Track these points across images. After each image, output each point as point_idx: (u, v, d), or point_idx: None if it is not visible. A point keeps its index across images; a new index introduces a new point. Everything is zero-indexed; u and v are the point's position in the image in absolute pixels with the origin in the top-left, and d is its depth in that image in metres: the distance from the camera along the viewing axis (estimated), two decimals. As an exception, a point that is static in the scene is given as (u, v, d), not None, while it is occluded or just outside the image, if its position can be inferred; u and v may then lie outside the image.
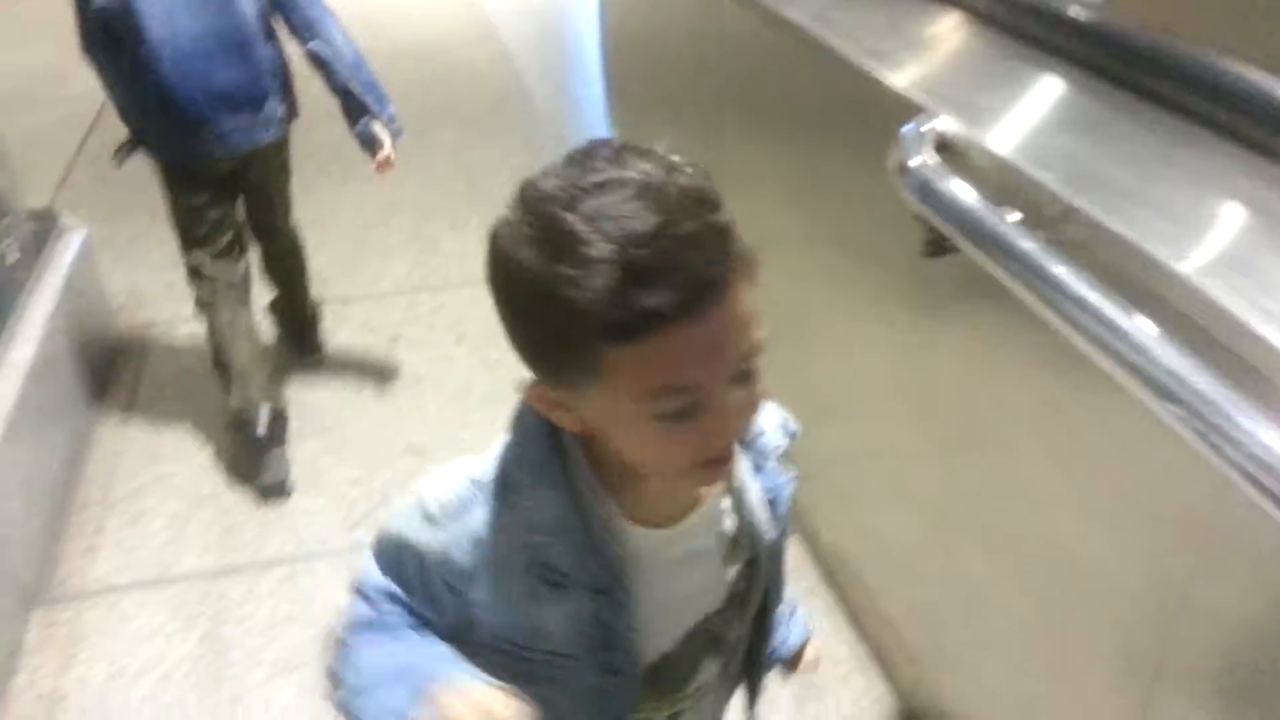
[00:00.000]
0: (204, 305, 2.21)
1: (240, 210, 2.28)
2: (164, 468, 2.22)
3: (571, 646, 0.78)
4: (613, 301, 0.58)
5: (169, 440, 2.31)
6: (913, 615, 1.67)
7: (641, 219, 0.58)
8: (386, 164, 2.19)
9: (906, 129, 1.22)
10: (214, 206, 2.17)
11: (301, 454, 2.26)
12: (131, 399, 2.45)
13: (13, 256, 2.46)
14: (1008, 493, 1.33)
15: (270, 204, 2.32)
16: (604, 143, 0.64)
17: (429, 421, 2.37)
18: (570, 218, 0.59)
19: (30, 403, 2.01)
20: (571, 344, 0.61)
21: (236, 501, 2.13)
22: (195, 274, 2.21)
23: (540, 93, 4.28)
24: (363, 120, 2.16)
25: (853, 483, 1.79)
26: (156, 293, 2.81)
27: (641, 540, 0.76)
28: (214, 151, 2.08)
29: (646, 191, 0.60)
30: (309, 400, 2.44)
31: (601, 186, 0.60)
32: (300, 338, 2.60)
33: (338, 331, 2.67)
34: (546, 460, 0.74)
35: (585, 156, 0.63)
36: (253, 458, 2.16)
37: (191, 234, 2.19)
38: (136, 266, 2.88)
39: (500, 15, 5.12)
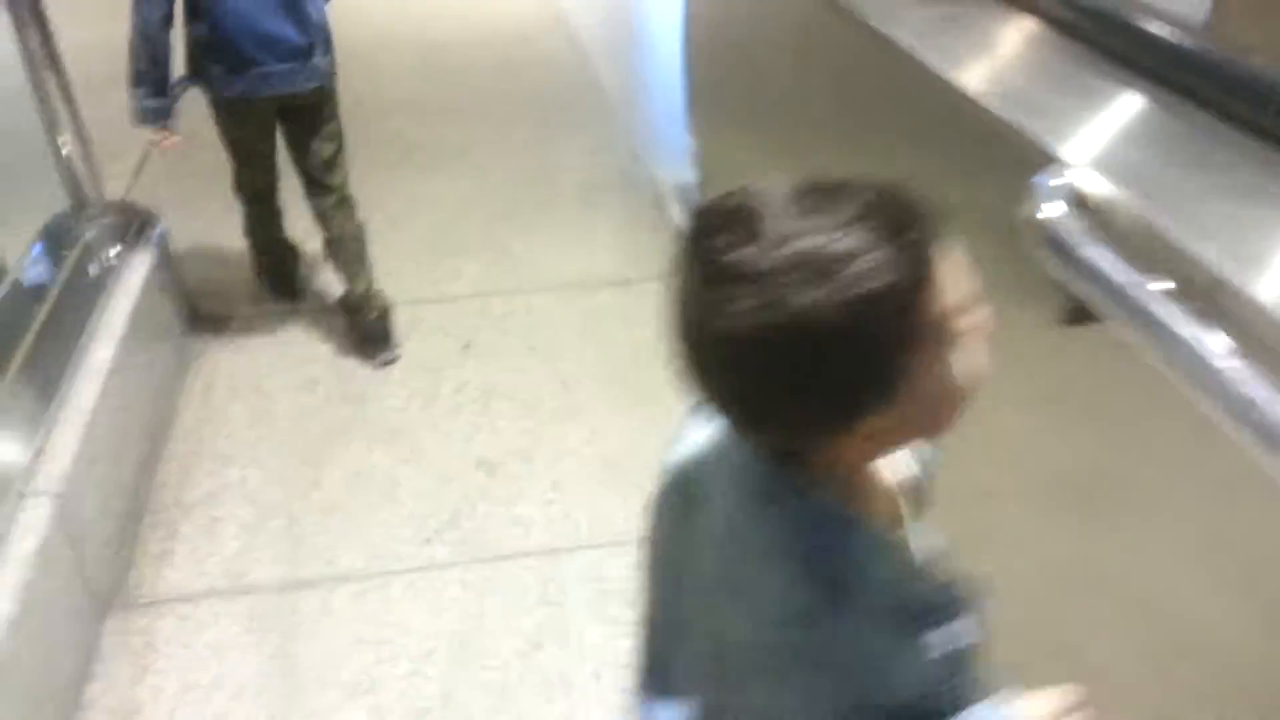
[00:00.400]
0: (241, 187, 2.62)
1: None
2: (236, 472, 2.22)
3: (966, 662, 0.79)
4: (902, 255, 0.60)
5: (241, 444, 2.30)
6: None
7: (840, 204, 0.61)
8: None
9: (1040, 183, 1.14)
10: (258, 141, 2.50)
11: (372, 463, 2.24)
12: (205, 399, 2.45)
13: (94, 250, 2.47)
14: (1134, 566, 1.25)
15: (314, 150, 2.48)
16: (717, 200, 0.65)
17: (500, 434, 2.33)
18: (805, 244, 0.60)
19: (109, 404, 2.01)
20: (895, 329, 0.62)
21: (307, 510, 2.12)
22: (237, 180, 2.60)
23: (615, 88, 4.21)
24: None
25: (962, 537, 1.71)
26: (230, 290, 2.82)
27: (917, 545, 0.79)
28: (259, 89, 2.33)
29: (808, 190, 0.63)
30: (382, 407, 2.43)
31: (785, 211, 0.62)
32: (368, 331, 2.57)
33: (410, 335, 2.65)
34: (847, 525, 0.71)
35: (727, 214, 0.63)
36: (280, 281, 2.78)
37: (238, 155, 2.54)
38: (210, 260, 2.89)
39: (576, 6, 5.05)
